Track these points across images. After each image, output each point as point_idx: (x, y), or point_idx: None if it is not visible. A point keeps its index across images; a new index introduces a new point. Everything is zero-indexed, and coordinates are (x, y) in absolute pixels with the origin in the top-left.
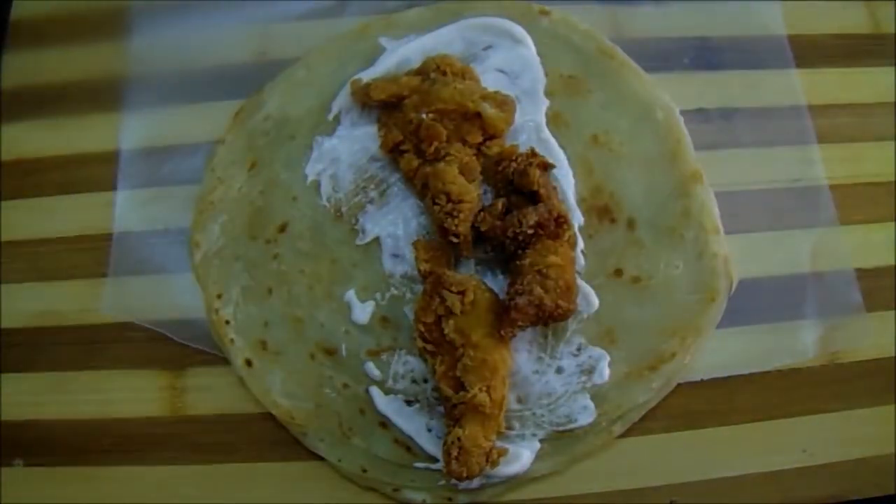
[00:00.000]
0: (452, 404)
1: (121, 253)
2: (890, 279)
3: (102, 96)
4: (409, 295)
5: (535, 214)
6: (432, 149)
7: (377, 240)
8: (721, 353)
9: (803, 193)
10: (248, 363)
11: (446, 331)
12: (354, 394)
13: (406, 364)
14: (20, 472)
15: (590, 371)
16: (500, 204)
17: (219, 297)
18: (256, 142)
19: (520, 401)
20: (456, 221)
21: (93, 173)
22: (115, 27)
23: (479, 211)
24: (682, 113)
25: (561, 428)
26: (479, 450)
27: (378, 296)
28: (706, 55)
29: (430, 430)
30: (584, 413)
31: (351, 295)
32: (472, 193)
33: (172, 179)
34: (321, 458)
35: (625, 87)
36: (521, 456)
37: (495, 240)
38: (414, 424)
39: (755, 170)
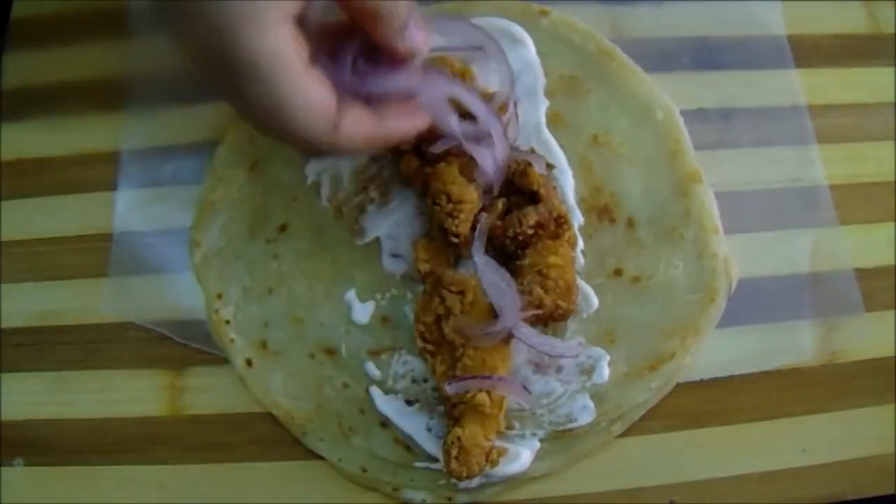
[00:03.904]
0: (452, 404)
1: (121, 253)
2: (890, 279)
3: (102, 96)
4: (409, 295)
5: (535, 214)
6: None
7: (377, 240)
8: (721, 352)
9: (803, 193)
10: (249, 363)
11: (446, 331)
12: (354, 394)
13: (406, 364)
14: (20, 472)
15: (590, 371)
16: (500, 204)
17: (219, 296)
18: (257, 142)
19: None
20: (456, 222)
21: (93, 173)
22: (115, 27)
23: (479, 211)
24: (682, 113)
25: (561, 427)
26: (479, 449)
27: (378, 296)
28: (705, 55)
29: (430, 430)
30: (584, 413)
31: (351, 295)
32: (473, 194)
33: (172, 179)
34: (321, 458)
35: (624, 87)
36: (521, 455)
37: (495, 240)
38: (414, 424)
39: (755, 170)
